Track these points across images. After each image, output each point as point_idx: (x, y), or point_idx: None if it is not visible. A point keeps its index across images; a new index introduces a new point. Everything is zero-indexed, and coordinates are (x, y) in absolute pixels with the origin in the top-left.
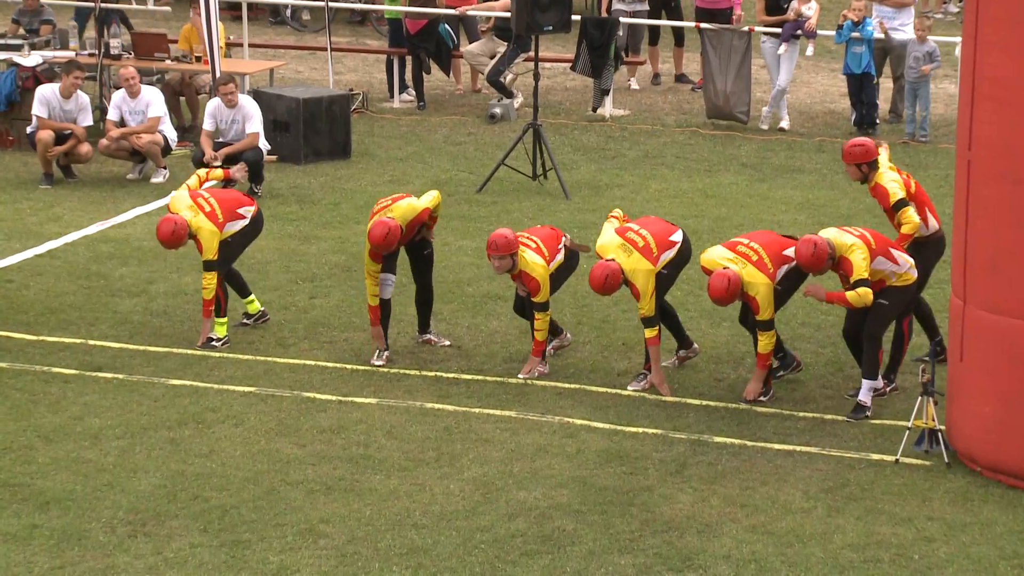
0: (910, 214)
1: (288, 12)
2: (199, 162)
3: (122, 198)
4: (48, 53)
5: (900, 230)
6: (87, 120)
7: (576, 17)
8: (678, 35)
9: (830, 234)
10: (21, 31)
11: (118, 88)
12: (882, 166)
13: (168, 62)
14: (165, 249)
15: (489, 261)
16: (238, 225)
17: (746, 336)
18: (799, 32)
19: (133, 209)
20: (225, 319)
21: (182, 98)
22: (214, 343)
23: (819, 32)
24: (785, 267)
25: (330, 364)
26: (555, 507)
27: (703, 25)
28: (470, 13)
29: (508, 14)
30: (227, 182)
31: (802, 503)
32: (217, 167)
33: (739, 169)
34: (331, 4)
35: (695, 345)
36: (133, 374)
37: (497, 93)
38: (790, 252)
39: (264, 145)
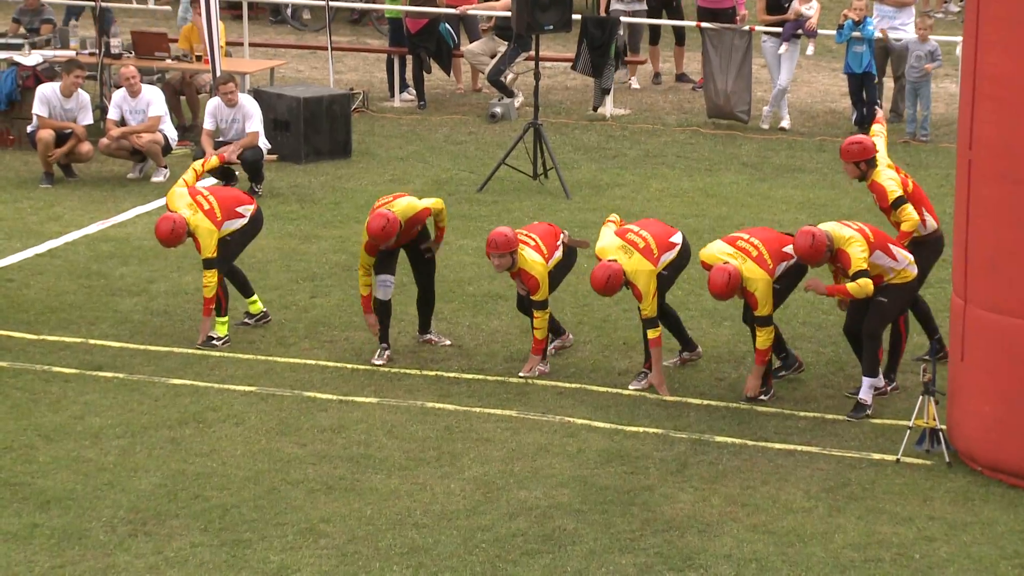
0: (909, 211)
1: (288, 11)
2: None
3: (122, 197)
4: (49, 52)
5: (900, 227)
6: (88, 119)
7: (577, 16)
8: (679, 34)
9: (828, 227)
10: (22, 30)
11: (119, 87)
12: (880, 164)
13: (168, 61)
14: (164, 248)
15: (488, 259)
16: (237, 224)
17: (747, 335)
18: (800, 31)
19: (133, 208)
20: (226, 318)
21: (183, 97)
22: (215, 342)
23: (820, 31)
24: (784, 264)
25: (331, 363)
26: (556, 506)
27: (704, 24)
28: (471, 12)
29: (509, 13)
30: (225, 177)
31: (803, 502)
32: (215, 156)
33: (740, 168)
34: (331, 3)
35: (699, 348)
36: (134, 373)
37: (498, 92)
38: (789, 249)
39: (264, 144)
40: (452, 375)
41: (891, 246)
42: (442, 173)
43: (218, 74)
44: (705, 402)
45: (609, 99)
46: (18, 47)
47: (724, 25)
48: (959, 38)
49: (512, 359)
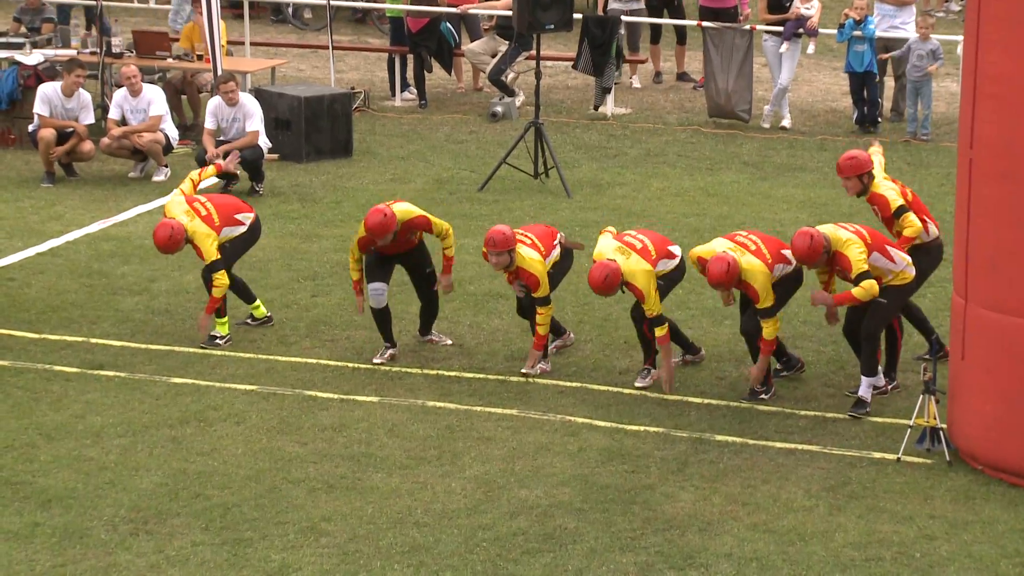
0: (912, 219)
1: (290, 10)
2: (202, 160)
3: (124, 196)
4: (50, 51)
5: (902, 234)
6: (89, 118)
7: (578, 16)
8: (680, 33)
9: (826, 229)
10: (23, 29)
11: (120, 86)
12: (878, 176)
13: (170, 60)
14: (162, 254)
15: (486, 258)
16: (236, 231)
17: None
18: (801, 30)
19: (135, 207)
20: (226, 318)
21: (184, 96)
22: (217, 341)
23: (821, 30)
24: (782, 266)
25: (332, 362)
26: (557, 505)
27: (705, 24)
28: (472, 11)
29: (510, 12)
30: (225, 179)
31: (804, 501)
32: (212, 166)
33: (741, 168)
34: (333, 2)
35: (702, 351)
36: (135, 372)
37: (499, 92)
38: (787, 253)
39: (265, 143)
40: (453, 374)
41: (889, 248)
42: (443, 172)
43: (219, 73)
44: (706, 401)
45: (610, 98)
46: (19, 46)
47: (725, 24)
48: (960, 37)
49: (513, 358)
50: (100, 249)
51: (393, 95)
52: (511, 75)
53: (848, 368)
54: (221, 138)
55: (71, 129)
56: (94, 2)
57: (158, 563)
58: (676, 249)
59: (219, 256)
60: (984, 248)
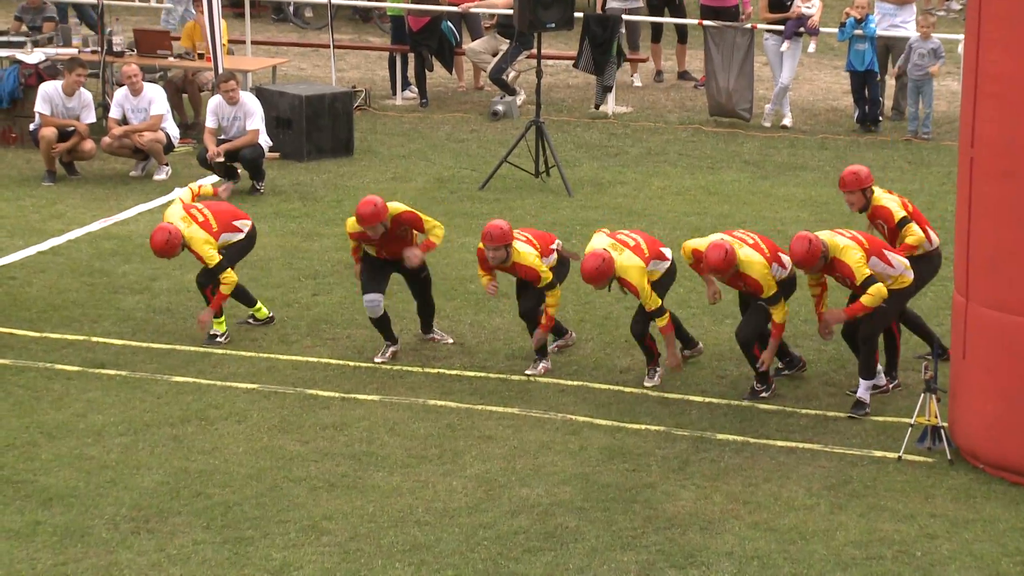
0: (914, 228)
1: (291, 9)
2: (203, 159)
3: (125, 195)
4: (51, 50)
5: (906, 241)
6: (90, 117)
7: (579, 14)
8: (681, 32)
9: (824, 235)
10: (24, 28)
11: (121, 85)
12: (877, 189)
13: (171, 59)
14: (159, 258)
15: (481, 256)
16: (234, 237)
17: None
18: (802, 29)
19: (136, 206)
20: (223, 317)
21: (185, 95)
22: (218, 340)
23: (822, 29)
24: (776, 266)
25: (333, 361)
26: (558, 504)
27: (706, 22)
28: (473, 10)
29: (511, 11)
30: (228, 175)
31: (805, 500)
32: (210, 185)
33: (742, 166)
34: (334, 1)
35: (699, 344)
36: (136, 371)
37: (500, 90)
38: (784, 258)
39: (266, 142)
40: (454, 373)
41: (887, 252)
42: (444, 171)
43: (220, 72)
44: (707, 400)
45: (611, 97)
46: (20, 45)
47: (726, 23)
48: (961, 36)
49: (514, 357)
50: (101, 248)
51: (394, 94)
52: (512, 74)
53: (849, 367)
54: (222, 137)
55: (72, 128)
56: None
57: (159, 561)
58: (667, 251)
59: (220, 258)
60: (985, 247)
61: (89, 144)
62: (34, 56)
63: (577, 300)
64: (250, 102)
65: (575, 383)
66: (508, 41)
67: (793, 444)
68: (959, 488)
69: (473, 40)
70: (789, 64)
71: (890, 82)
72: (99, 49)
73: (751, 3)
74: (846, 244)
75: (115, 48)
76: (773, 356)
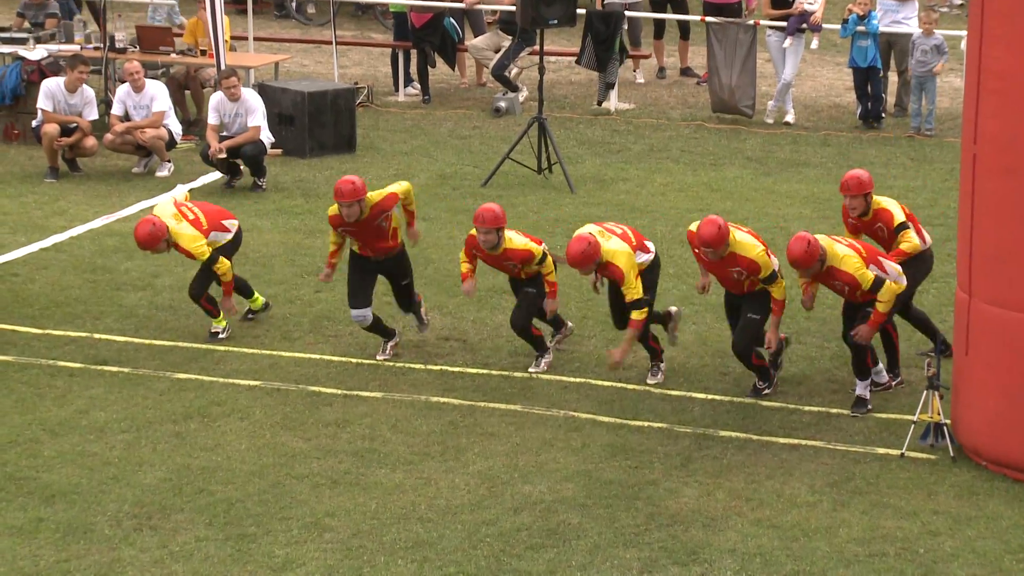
0: (911, 236)
1: (293, 5)
2: (205, 156)
3: (127, 192)
4: (53, 47)
5: (901, 247)
6: (92, 114)
7: (581, 11)
8: (683, 29)
9: (822, 240)
10: (26, 25)
11: (123, 82)
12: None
13: (173, 56)
14: (142, 251)
15: (472, 239)
16: (223, 237)
17: None
18: (804, 26)
19: (138, 203)
20: (221, 314)
21: (187, 92)
22: (220, 336)
23: (824, 26)
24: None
25: (335, 358)
26: (560, 501)
27: (708, 19)
28: (475, 7)
29: (513, 8)
30: (230, 172)
31: (807, 497)
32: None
33: (744, 163)
34: None
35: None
36: (138, 368)
37: (502, 87)
38: (775, 261)
39: (268, 138)
40: (456, 370)
41: (882, 260)
42: (446, 167)
43: (222, 68)
44: (709, 397)
45: (613, 93)
46: (23, 41)
47: (729, 19)
48: (963, 32)
49: (516, 354)
50: (104, 245)
51: (396, 90)
52: (514, 70)
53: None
54: (224, 133)
55: (74, 124)
56: None
57: (162, 558)
58: (651, 245)
59: (211, 252)
60: (988, 243)
61: (91, 141)
62: (36, 52)
63: (580, 297)
64: (251, 98)
65: (577, 380)
66: (510, 38)
67: (796, 441)
68: (962, 485)
69: (476, 36)
70: (792, 60)
71: (892, 78)
72: (101, 45)
73: None
74: (845, 253)
75: (117, 44)
76: (777, 333)
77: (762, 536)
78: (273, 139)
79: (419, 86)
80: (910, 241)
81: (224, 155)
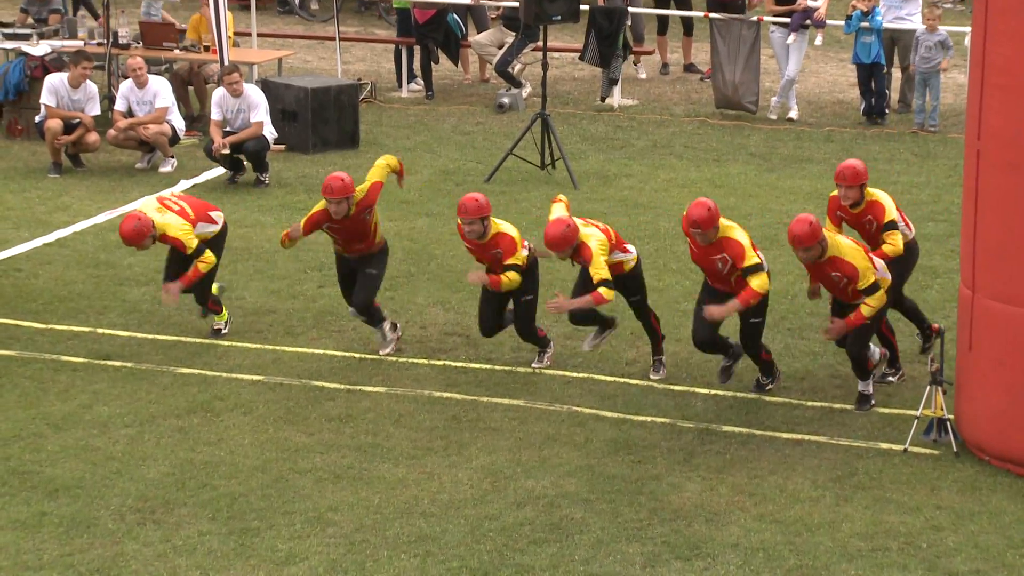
0: (897, 238)
1: (296, 1)
2: (209, 151)
3: (130, 187)
4: (57, 42)
5: (884, 249)
6: (95, 110)
7: (584, 7)
8: (687, 25)
9: (827, 232)
10: (30, 20)
11: (126, 78)
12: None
13: (176, 52)
14: (127, 247)
15: (461, 231)
16: (210, 228)
17: None
18: (808, 22)
19: (141, 198)
20: (223, 309)
21: (191, 87)
22: (223, 332)
23: (828, 22)
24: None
25: (338, 353)
26: (563, 496)
27: (712, 15)
28: (479, 3)
29: (517, 4)
30: (233, 167)
31: (810, 492)
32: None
33: (748, 159)
34: None
35: (609, 332)
36: (142, 362)
37: (505, 83)
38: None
39: (271, 133)
40: (459, 364)
41: (870, 256)
42: (449, 163)
43: (225, 64)
44: (712, 392)
45: (617, 89)
46: (26, 37)
47: (732, 15)
48: (967, 28)
49: (519, 349)
50: (107, 240)
51: (400, 86)
52: (518, 66)
53: None
54: (227, 129)
55: (78, 120)
56: None
57: (165, 552)
58: (631, 247)
59: (199, 242)
60: (991, 239)
61: (94, 136)
62: (40, 48)
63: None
64: (254, 94)
65: (581, 375)
66: (514, 34)
67: (799, 436)
68: (965, 480)
69: (479, 32)
70: (795, 57)
71: (896, 74)
72: (105, 41)
73: None
74: (850, 246)
75: (121, 40)
76: (730, 312)
77: (765, 531)
78: (276, 135)
79: (422, 82)
80: (895, 244)
81: (227, 151)
